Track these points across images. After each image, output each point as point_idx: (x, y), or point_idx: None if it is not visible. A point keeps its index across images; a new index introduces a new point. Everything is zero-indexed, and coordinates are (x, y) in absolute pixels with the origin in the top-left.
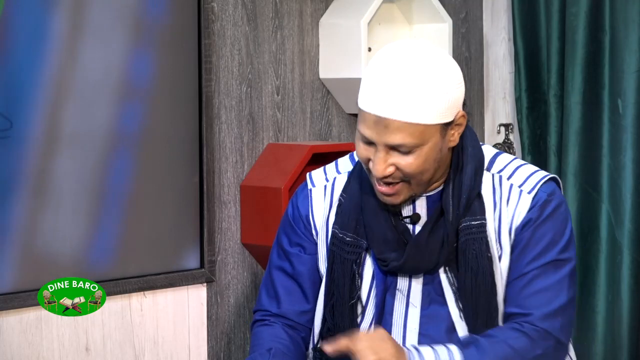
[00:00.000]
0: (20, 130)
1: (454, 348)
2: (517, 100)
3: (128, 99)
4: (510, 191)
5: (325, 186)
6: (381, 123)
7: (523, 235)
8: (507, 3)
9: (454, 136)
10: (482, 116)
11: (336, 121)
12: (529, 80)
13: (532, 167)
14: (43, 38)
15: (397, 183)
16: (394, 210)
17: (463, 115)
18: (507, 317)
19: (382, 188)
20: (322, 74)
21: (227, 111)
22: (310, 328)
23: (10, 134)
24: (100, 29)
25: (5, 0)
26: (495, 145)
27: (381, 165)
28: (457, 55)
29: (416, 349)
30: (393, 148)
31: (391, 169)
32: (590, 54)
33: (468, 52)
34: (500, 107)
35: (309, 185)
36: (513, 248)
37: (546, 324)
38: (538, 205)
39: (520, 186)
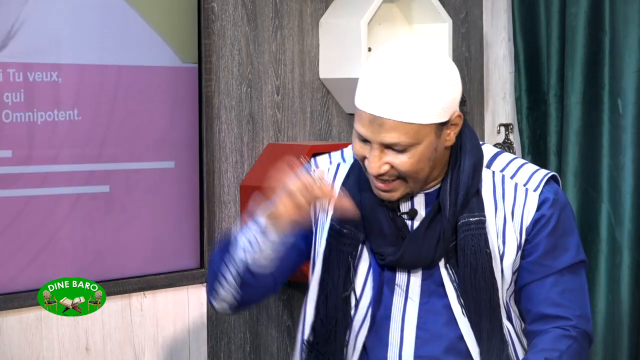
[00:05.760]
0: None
1: None
2: (517, 100)
3: (128, 99)
4: (516, 190)
5: (328, 169)
6: (376, 122)
7: (538, 237)
8: (507, 3)
9: (450, 136)
10: (482, 116)
11: (336, 121)
12: (529, 80)
13: (533, 166)
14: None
15: (394, 180)
16: (392, 206)
17: (459, 115)
18: (543, 318)
19: (379, 184)
20: (322, 74)
21: (227, 111)
22: (273, 279)
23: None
24: (100, 28)
25: None
26: (495, 146)
27: (376, 164)
28: (457, 55)
29: None
30: (388, 147)
31: (386, 167)
32: (590, 54)
33: (468, 52)
34: (500, 107)
35: (313, 167)
36: (528, 249)
37: (588, 326)
38: (547, 206)
39: (525, 185)
